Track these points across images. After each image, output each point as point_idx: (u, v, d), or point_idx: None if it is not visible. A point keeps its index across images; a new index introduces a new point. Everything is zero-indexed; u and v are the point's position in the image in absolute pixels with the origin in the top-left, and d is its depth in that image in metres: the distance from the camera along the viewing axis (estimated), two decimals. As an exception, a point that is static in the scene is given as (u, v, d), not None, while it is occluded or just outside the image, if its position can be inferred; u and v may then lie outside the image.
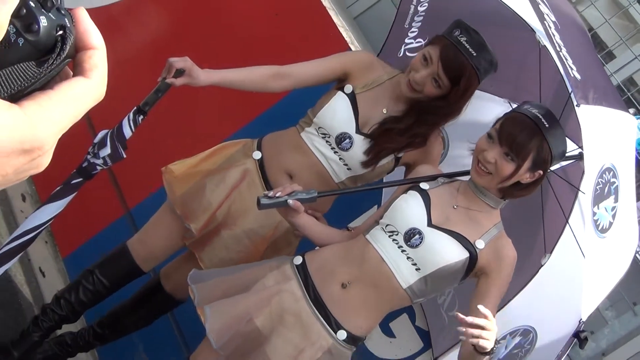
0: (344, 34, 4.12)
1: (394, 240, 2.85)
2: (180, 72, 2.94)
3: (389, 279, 2.84)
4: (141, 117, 2.93)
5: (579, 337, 2.83)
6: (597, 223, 2.69)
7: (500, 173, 2.77)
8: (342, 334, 2.88)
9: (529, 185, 2.85)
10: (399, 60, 3.43)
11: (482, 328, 2.52)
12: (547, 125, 2.73)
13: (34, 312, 4.04)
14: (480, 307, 2.58)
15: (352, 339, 2.87)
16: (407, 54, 3.57)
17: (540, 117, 2.74)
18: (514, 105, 3.43)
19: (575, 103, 2.51)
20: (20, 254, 2.73)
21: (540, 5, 2.71)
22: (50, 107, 0.62)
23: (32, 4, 0.61)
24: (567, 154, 2.89)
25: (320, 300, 2.88)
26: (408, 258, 2.83)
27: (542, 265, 3.19)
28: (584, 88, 2.62)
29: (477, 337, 2.51)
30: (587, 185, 2.60)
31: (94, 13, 0.69)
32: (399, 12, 3.58)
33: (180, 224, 3.28)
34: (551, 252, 3.17)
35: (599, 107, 2.69)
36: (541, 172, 2.80)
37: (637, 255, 3.54)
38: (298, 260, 2.97)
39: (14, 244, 2.71)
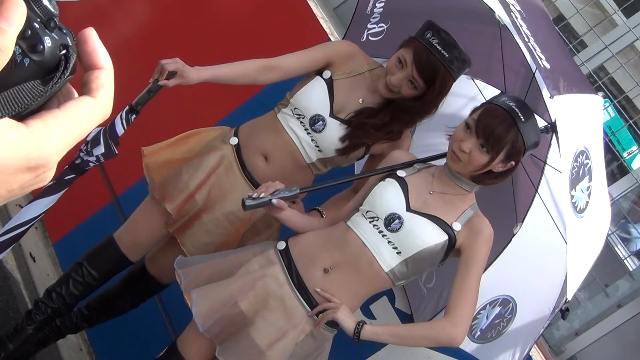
0: (324, 25, 4.18)
1: (374, 225, 2.92)
2: (172, 74, 3.00)
3: (370, 263, 2.91)
4: (133, 116, 2.98)
5: (561, 309, 2.89)
6: (575, 205, 2.73)
7: (473, 163, 2.85)
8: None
9: (500, 174, 2.93)
10: (362, 45, 3.50)
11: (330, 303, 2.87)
12: (522, 119, 2.81)
13: (24, 296, 4.10)
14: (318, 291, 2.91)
15: (333, 322, 2.93)
16: (370, 38, 3.64)
17: (517, 110, 2.82)
18: (477, 82, 3.57)
19: (549, 95, 2.57)
20: (12, 246, 2.76)
21: None
22: (56, 126, 0.64)
23: (36, 25, 0.63)
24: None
25: (303, 285, 2.94)
26: (389, 242, 2.89)
27: (514, 234, 3.29)
28: (555, 78, 2.68)
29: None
30: (564, 172, 2.67)
31: (79, 5, 0.73)
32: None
33: (163, 212, 3.35)
34: (522, 221, 3.27)
35: (570, 95, 2.76)
36: (513, 162, 2.88)
37: (608, 238, 3.65)
38: (281, 245, 3.03)
39: (6, 236, 2.74)
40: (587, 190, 2.86)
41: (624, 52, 5.17)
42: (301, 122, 3.23)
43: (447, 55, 3.03)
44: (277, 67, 3.24)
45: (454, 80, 3.14)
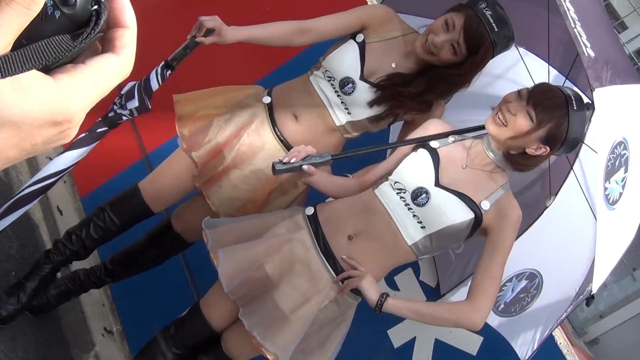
0: None
1: (401, 197, 2.90)
2: (209, 31, 3.00)
3: (394, 235, 2.90)
4: (169, 71, 2.98)
5: (586, 297, 2.87)
6: (608, 197, 2.70)
7: (515, 127, 2.80)
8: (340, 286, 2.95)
9: (532, 157, 2.88)
10: (410, 2, 3.48)
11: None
12: (574, 108, 2.77)
13: (50, 248, 4.12)
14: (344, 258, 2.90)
15: (358, 290, 2.93)
16: None
17: (572, 97, 2.79)
18: (520, 49, 3.50)
19: (591, 88, 2.54)
20: (40, 197, 2.78)
21: None
22: (82, 82, 0.64)
23: None
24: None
25: (329, 251, 2.94)
26: (414, 216, 2.88)
27: (546, 207, 3.25)
28: (598, 67, 2.63)
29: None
30: (599, 165, 2.64)
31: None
32: None
33: (190, 166, 3.36)
34: (556, 195, 3.24)
35: (613, 87, 2.70)
36: (548, 148, 2.84)
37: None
38: (310, 210, 3.04)
39: (35, 187, 2.75)
40: (622, 181, 2.82)
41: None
42: (332, 85, 3.24)
43: (496, 30, 3.04)
44: (311, 29, 3.23)
45: (493, 57, 3.13)
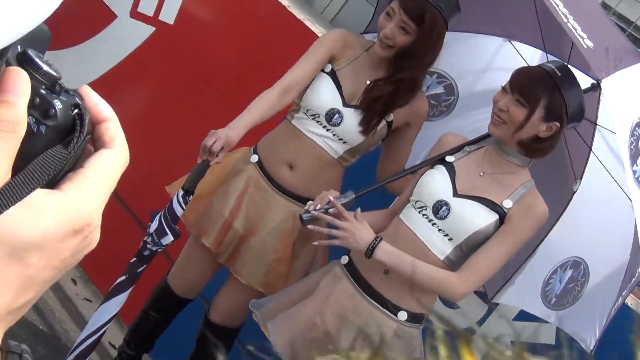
0: (312, 27, 4.18)
1: (423, 215, 2.92)
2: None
3: (425, 254, 2.91)
4: (189, 196, 3.06)
5: None
6: (638, 179, 2.73)
7: (512, 119, 2.82)
8: (402, 315, 2.96)
9: (547, 139, 2.89)
10: None
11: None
12: (559, 75, 2.78)
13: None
14: (325, 193, 2.94)
15: (414, 317, 2.94)
16: None
17: (554, 68, 2.80)
18: (514, 43, 3.51)
19: (595, 80, 2.56)
20: (95, 348, 2.81)
21: None
22: (88, 184, 0.64)
23: (42, 91, 0.63)
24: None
25: (372, 289, 2.96)
26: (439, 230, 2.90)
27: (574, 192, 3.23)
28: (599, 57, 2.64)
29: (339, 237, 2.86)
30: (622, 146, 2.63)
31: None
32: None
33: (207, 248, 3.37)
34: (581, 178, 3.22)
35: (619, 73, 2.70)
36: (557, 124, 2.84)
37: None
38: (345, 259, 3.06)
39: (88, 341, 2.80)
40: None
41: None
42: (318, 122, 3.25)
43: None
44: (292, 85, 3.25)
45: (446, 21, 3.13)
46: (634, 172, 2.71)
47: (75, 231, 0.62)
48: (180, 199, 3.04)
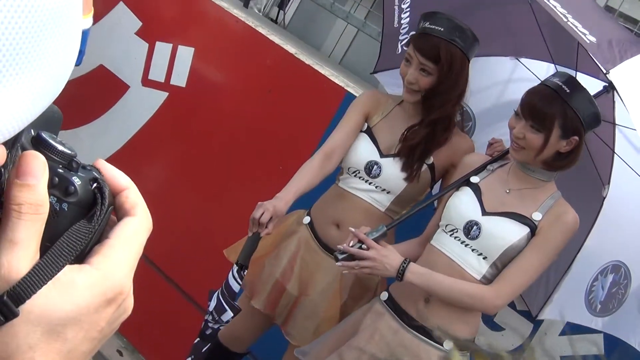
0: (336, 80, 4.23)
1: (455, 237, 2.93)
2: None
3: (462, 275, 2.91)
4: (245, 270, 3.10)
5: None
6: None
7: (531, 145, 2.83)
8: (448, 344, 2.96)
9: (569, 153, 2.88)
10: (398, 57, 3.53)
11: (362, 258, 2.87)
12: (567, 91, 2.78)
13: None
14: (351, 229, 2.93)
15: (460, 345, 2.88)
16: (404, 48, 3.67)
17: (560, 84, 2.80)
18: (522, 60, 3.53)
19: (604, 72, 2.54)
20: None
21: None
22: (114, 254, 0.65)
23: (60, 170, 0.64)
24: (594, 94, 2.92)
25: (415, 321, 2.95)
26: (473, 250, 2.90)
27: (604, 198, 3.22)
28: (604, 50, 2.63)
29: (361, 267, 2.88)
30: None
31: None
32: (385, 16, 3.72)
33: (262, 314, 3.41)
34: (609, 183, 3.22)
35: (626, 62, 2.70)
36: (577, 137, 2.83)
37: None
38: (384, 296, 3.07)
39: None
40: None
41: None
42: (359, 177, 3.30)
43: (442, 30, 3.11)
44: (334, 150, 3.30)
45: (464, 52, 3.15)
46: None
47: (109, 301, 0.64)
48: (236, 274, 3.09)
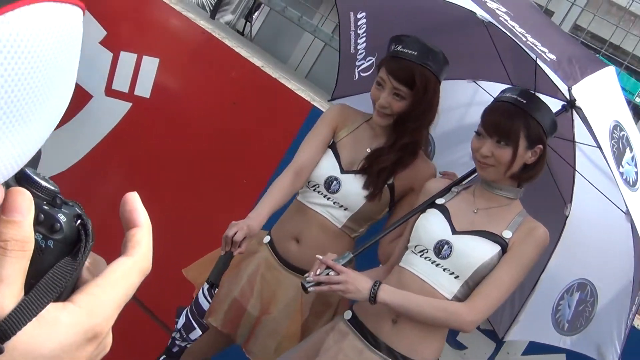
0: (303, 95, 4.21)
1: (426, 257, 2.91)
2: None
3: (433, 296, 2.89)
4: (215, 289, 3.07)
5: None
6: (627, 180, 2.70)
7: (500, 161, 2.84)
8: None
9: (535, 163, 2.91)
10: (355, 84, 3.55)
11: (334, 283, 2.83)
12: (524, 102, 2.82)
13: None
14: (318, 257, 2.89)
15: None
16: (362, 74, 3.68)
17: (516, 97, 2.84)
18: (480, 83, 3.56)
19: (568, 87, 2.58)
20: None
21: (487, 3, 2.76)
22: (100, 293, 0.66)
23: (45, 207, 0.65)
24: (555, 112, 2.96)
25: (381, 343, 2.92)
26: (444, 270, 2.88)
27: (567, 216, 3.24)
28: (564, 67, 2.66)
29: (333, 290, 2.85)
30: (606, 152, 2.62)
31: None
32: (342, 42, 3.70)
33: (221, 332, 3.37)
34: (571, 201, 3.23)
35: (586, 79, 2.73)
36: (540, 146, 2.87)
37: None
38: (348, 315, 3.04)
39: None
40: (632, 160, 2.84)
41: (592, 3, 5.15)
42: (318, 192, 3.28)
43: (415, 53, 3.10)
44: (303, 166, 3.27)
45: (436, 76, 3.15)
46: (621, 173, 2.71)
47: (89, 340, 0.65)
48: (206, 293, 3.03)
